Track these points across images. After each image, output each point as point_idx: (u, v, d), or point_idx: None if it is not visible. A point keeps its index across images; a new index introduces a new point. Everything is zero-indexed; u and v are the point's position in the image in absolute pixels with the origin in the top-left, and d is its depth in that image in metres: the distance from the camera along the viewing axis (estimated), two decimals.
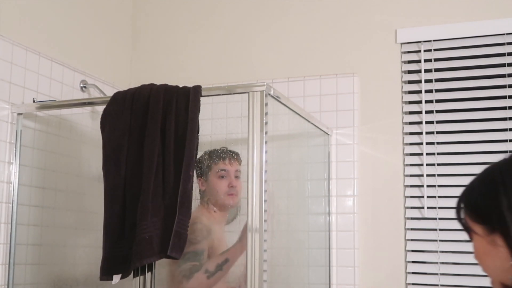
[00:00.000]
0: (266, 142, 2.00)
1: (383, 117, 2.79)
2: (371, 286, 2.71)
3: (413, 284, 2.64)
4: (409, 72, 2.79)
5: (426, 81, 2.73)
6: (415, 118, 2.75)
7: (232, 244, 2.24)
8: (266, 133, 2.00)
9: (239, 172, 2.40)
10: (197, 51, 3.14)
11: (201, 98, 2.10)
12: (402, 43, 2.80)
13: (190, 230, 2.03)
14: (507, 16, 2.65)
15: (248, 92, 2.03)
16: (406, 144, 2.75)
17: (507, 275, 1.13)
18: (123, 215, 2.09)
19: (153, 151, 2.06)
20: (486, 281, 2.62)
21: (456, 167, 2.67)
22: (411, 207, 2.70)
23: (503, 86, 2.64)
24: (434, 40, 2.74)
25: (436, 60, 2.74)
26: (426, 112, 2.71)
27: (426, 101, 2.72)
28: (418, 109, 2.74)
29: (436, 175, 2.67)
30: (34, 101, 2.45)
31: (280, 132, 2.51)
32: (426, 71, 2.74)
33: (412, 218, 2.70)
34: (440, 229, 2.62)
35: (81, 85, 2.76)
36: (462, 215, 1.21)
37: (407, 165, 2.74)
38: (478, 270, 2.64)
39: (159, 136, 2.07)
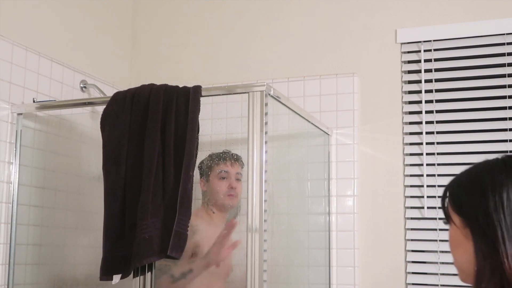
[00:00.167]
0: (266, 142, 2.00)
1: (383, 117, 2.79)
2: (371, 286, 2.71)
3: (413, 284, 2.64)
4: (409, 72, 2.79)
5: (426, 81, 2.73)
6: (415, 118, 2.75)
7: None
8: (266, 133, 2.00)
9: (240, 175, 2.41)
10: (197, 51, 3.14)
11: (201, 98, 2.10)
12: (402, 43, 2.80)
13: None
14: (507, 16, 2.66)
15: (248, 92, 2.03)
16: (406, 144, 2.75)
17: (472, 270, 1.17)
18: (123, 215, 2.09)
19: (153, 151, 2.06)
20: None
21: (456, 167, 2.67)
22: (411, 207, 2.70)
23: (503, 86, 2.64)
24: (434, 40, 2.74)
25: (436, 60, 2.74)
26: (426, 112, 2.71)
27: (426, 101, 2.72)
28: (418, 109, 2.74)
29: (436, 175, 2.67)
30: (34, 101, 2.45)
31: (280, 132, 2.51)
32: (426, 71, 2.74)
33: (412, 218, 2.70)
34: (440, 229, 2.62)
35: (81, 85, 2.76)
36: (446, 204, 1.25)
37: (407, 165, 2.74)
38: None
39: (159, 136, 2.07)
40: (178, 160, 2.04)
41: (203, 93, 2.10)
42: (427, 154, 2.69)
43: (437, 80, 2.73)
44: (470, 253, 1.18)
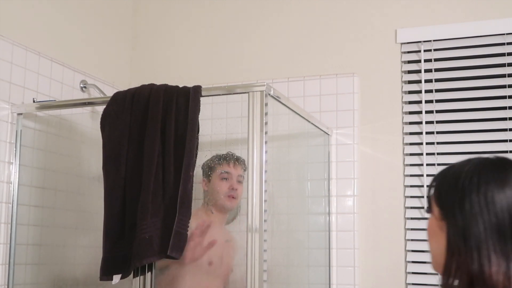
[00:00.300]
0: (266, 142, 2.00)
1: (383, 117, 2.79)
2: (371, 286, 2.71)
3: (413, 284, 2.64)
4: (409, 72, 2.79)
5: (426, 81, 2.73)
6: (415, 118, 2.75)
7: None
8: (266, 133, 2.00)
9: (242, 178, 2.41)
10: (197, 51, 3.14)
11: (201, 98, 2.10)
12: (402, 43, 2.80)
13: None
14: (507, 16, 2.66)
15: (248, 92, 2.03)
16: (406, 144, 2.75)
17: (442, 262, 1.20)
18: (123, 215, 2.09)
19: (153, 151, 2.06)
20: None
21: None
22: (411, 207, 2.70)
23: (503, 86, 2.64)
24: (434, 40, 2.74)
25: (436, 60, 2.74)
26: (426, 112, 2.71)
27: (426, 101, 2.72)
28: (418, 109, 2.74)
29: None
30: (34, 101, 2.45)
31: (280, 132, 2.51)
32: (426, 71, 2.74)
33: (412, 218, 2.70)
34: None
35: (81, 85, 2.76)
36: (431, 193, 1.28)
37: (407, 165, 2.74)
38: None
39: (159, 136, 2.07)
40: (178, 160, 2.04)
41: (203, 93, 2.10)
42: (427, 154, 2.69)
43: (437, 80, 2.73)
44: (442, 246, 1.21)
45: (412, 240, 2.68)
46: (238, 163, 2.41)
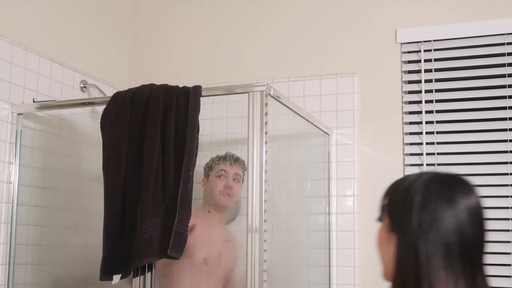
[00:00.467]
0: (266, 142, 2.00)
1: (383, 117, 2.79)
2: (371, 286, 2.71)
3: None
4: (409, 72, 2.79)
5: (426, 81, 2.73)
6: (415, 118, 2.75)
7: None
8: (266, 133, 2.00)
9: (239, 176, 2.41)
10: (197, 51, 3.14)
11: (201, 98, 2.10)
12: (402, 43, 2.80)
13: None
14: (507, 16, 2.66)
15: (248, 92, 2.03)
16: (406, 144, 2.75)
17: (391, 272, 1.25)
18: (123, 215, 2.09)
19: (153, 151, 2.06)
20: None
21: (456, 167, 2.66)
22: None
23: (503, 86, 2.64)
24: (434, 40, 2.74)
25: (436, 60, 2.74)
26: (426, 112, 2.71)
27: (426, 101, 2.72)
28: (418, 109, 2.74)
29: None
30: (34, 101, 2.45)
31: (280, 132, 2.51)
32: (426, 71, 2.74)
33: None
34: None
35: (81, 85, 2.76)
36: (385, 202, 1.31)
37: (407, 165, 2.74)
38: None
39: (159, 136, 2.07)
40: (178, 160, 2.04)
41: (203, 93, 2.10)
42: (427, 154, 2.69)
43: (437, 80, 2.73)
44: (391, 256, 1.24)
45: None
46: (235, 162, 2.42)
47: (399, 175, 2.70)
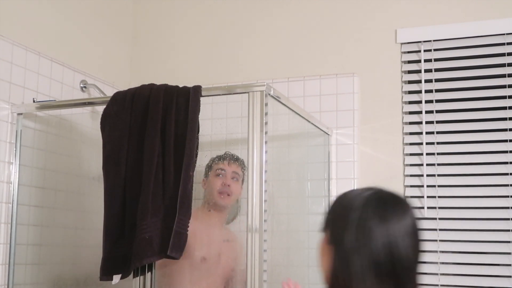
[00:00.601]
0: (266, 142, 2.00)
1: (383, 117, 2.79)
2: None
3: None
4: (409, 72, 2.79)
5: (426, 81, 2.73)
6: (415, 118, 2.75)
7: None
8: (266, 133, 2.00)
9: (238, 175, 2.42)
10: (197, 51, 3.14)
11: (201, 98, 2.10)
12: (402, 43, 2.80)
13: None
14: (507, 16, 2.65)
15: (248, 92, 2.03)
16: (406, 144, 2.75)
17: (329, 281, 1.29)
18: (123, 215, 2.09)
19: (153, 151, 2.06)
20: (486, 281, 2.62)
21: (456, 167, 2.67)
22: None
23: (503, 86, 2.64)
24: (434, 40, 2.74)
25: (436, 60, 2.74)
26: (426, 112, 2.71)
27: (426, 101, 2.72)
28: (418, 109, 2.74)
29: (436, 175, 2.67)
30: (34, 101, 2.45)
31: (280, 132, 2.51)
32: (426, 71, 2.73)
33: None
34: (440, 229, 2.62)
35: (81, 85, 2.76)
36: (328, 214, 1.34)
37: (407, 165, 2.74)
38: (478, 270, 2.64)
39: (159, 136, 2.07)
40: (178, 160, 2.04)
41: (203, 93, 2.10)
42: (427, 154, 2.69)
43: (437, 80, 2.73)
44: (328, 268, 1.28)
45: None
46: (233, 161, 2.43)
47: (399, 175, 2.72)
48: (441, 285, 2.58)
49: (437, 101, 2.72)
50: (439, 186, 2.66)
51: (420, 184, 2.69)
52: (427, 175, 2.67)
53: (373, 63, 2.83)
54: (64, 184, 2.58)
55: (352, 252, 1.21)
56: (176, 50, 3.18)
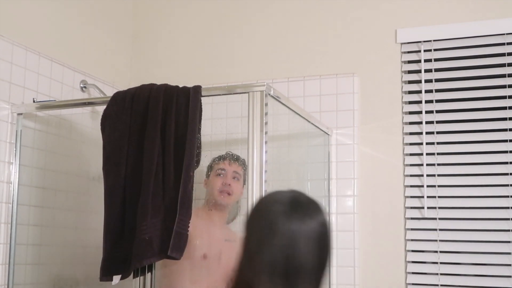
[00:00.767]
0: (266, 142, 2.00)
1: (383, 117, 2.79)
2: (371, 286, 2.71)
3: (413, 284, 2.64)
4: (409, 72, 2.79)
5: (426, 81, 2.73)
6: (415, 118, 2.75)
7: None
8: (266, 133, 2.00)
9: (238, 175, 2.42)
10: (197, 51, 3.14)
11: (201, 98, 2.10)
12: (402, 43, 2.80)
13: None
14: (507, 16, 2.65)
15: (248, 92, 2.03)
16: (406, 144, 2.75)
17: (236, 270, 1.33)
18: (123, 215, 2.09)
19: (153, 151, 2.06)
20: (486, 281, 2.62)
21: (456, 167, 2.67)
22: (411, 207, 2.70)
23: (503, 86, 2.64)
24: (434, 40, 2.74)
25: (436, 60, 2.74)
26: (426, 112, 2.71)
27: (426, 101, 2.72)
28: (418, 109, 2.74)
29: (436, 175, 2.67)
30: (34, 101, 2.45)
31: (280, 132, 2.51)
32: (426, 71, 2.73)
33: (412, 218, 2.69)
34: (440, 229, 2.62)
35: (81, 85, 2.76)
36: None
37: (407, 165, 2.73)
38: (478, 270, 2.64)
39: (159, 136, 2.07)
40: (178, 161, 2.04)
41: (203, 93, 2.10)
42: (427, 154, 2.69)
43: (437, 80, 2.73)
44: (238, 261, 1.32)
45: (412, 240, 2.68)
46: (234, 161, 2.43)
47: (399, 175, 2.72)
48: (441, 285, 2.59)
49: (437, 101, 2.72)
50: (439, 186, 2.66)
51: (420, 184, 2.69)
52: (427, 175, 2.66)
53: (373, 63, 2.83)
54: (64, 184, 2.58)
55: (255, 252, 1.26)
56: (176, 50, 3.18)
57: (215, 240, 2.43)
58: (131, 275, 2.06)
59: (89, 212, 2.60)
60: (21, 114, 2.41)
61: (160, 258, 2.01)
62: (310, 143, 2.78)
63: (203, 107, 2.10)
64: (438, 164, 2.68)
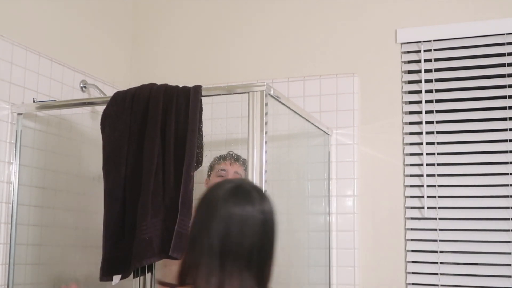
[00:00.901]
0: (266, 142, 2.00)
1: (383, 117, 2.79)
2: (371, 286, 2.71)
3: (413, 284, 2.64)
4: (409, 72, 2.79)
5: (426, 81, 2.73)
6: (415, 118, 2.75)
7: None
8: (266, 133, 2.00)
9: (239, 175, 2.42)
10: (197, 51, 3.14)
11: (201, 98, 2.10)
12: (402, 43, 2.80)
13: None
14: (507, 16, 2.66)
15: (248, 92, 2.03)
16: (406, 144, 2.75)
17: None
18: (123, 215, 2.09)
19: (153, 151, 2.06)
20: (486, 281, 2.62)
21: (456, 167, 2.67)
22: (411, 207, 2.70)
23: (503, 86, 2.64)
24: (434, 40, 2.74)
25: (436, 60, 2.74)
26: (426, 112, 2.71)
27: (426, 101, 2.72)
28: (418, 109, 2.74)
29: (436, 175, 2.67)
30: (34, 101, 2.45)
31: (280, 132, 2.51)
32: (426, 71, 2.73)
33: (412, 218, 2.70)
34: (440, 229, 2.62)
35: (81, 85, 2.76)
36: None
37: (407, 165, 2.74)
38: (478, 270, 2.64)
39: (159, 136, 2.07)
40: (178, 161, 2.03)
41: (203, 93, 2.10)
42: (427, 154, 2.69)
43: (437, 80, 2.73)
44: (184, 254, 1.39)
45: (412, 240, 2.68)
46: (235, 161, 2.43)
47: (399, 175, 2.72)
48: (441, 285, 2.59)
49: (437, 101, 2.72)
50: (439, 186, 2.66)
51: (420, 184, 2.69)
52: (427, 175, 2.67)
53: (373, 63, 2.83)
54: (64, 184, 2.58)
55: (197, 235, 1.33)
56: (176, 50, 3.18)
57: None
58: (131, 275, 2.06)
59: (89, 212, 2.60)
60: (21, 114, 2.41)
61: (160, 258, 2.01)
62: (310, 143, 2.78)
63: (203, 107, 2.10)
64: (438, 164, 2.68)
